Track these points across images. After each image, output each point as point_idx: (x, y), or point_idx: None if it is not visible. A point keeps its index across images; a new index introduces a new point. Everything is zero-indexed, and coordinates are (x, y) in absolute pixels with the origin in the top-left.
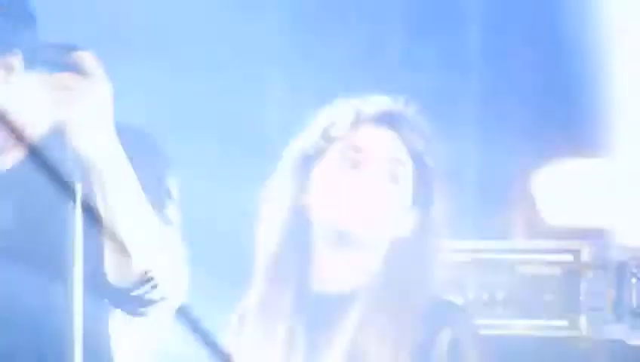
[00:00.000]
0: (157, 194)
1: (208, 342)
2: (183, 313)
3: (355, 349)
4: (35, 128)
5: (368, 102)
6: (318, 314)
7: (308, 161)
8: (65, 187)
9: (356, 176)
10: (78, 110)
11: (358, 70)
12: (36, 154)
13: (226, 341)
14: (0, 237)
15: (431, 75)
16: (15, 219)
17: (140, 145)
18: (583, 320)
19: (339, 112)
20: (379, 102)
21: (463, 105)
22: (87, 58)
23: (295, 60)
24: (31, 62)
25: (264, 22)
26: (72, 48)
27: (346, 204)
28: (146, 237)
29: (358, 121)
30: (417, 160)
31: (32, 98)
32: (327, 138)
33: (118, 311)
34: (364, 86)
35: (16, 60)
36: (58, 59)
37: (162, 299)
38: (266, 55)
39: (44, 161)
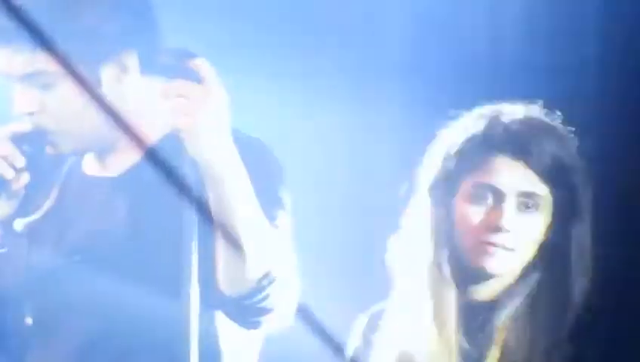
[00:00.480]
0: (270, 202)
1: (330, 343)
2: (304, 314)
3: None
4: (150, 131)
5: (498, 119)
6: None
7: (444, 189)
8: (181, 191)
9: (487, 213)
10: (196, 118)
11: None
12: (152, 157)
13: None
14: (114, 239)
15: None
16: (130, 222)
17: (253, 153)
18: None
19: (466, 136)
20: (511, 114)
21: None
22: (203, 65)
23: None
24: (148, 66)
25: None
26: (189, 55)
27: (480, 241)
28: (260, 244)
29: (487, 150)
30: (556, 182)
31: (146, 101)
32: (458, 169)
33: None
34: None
35: (132, 60)
36: (175, 65)
37: (275, 307)
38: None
39: (159, 163)
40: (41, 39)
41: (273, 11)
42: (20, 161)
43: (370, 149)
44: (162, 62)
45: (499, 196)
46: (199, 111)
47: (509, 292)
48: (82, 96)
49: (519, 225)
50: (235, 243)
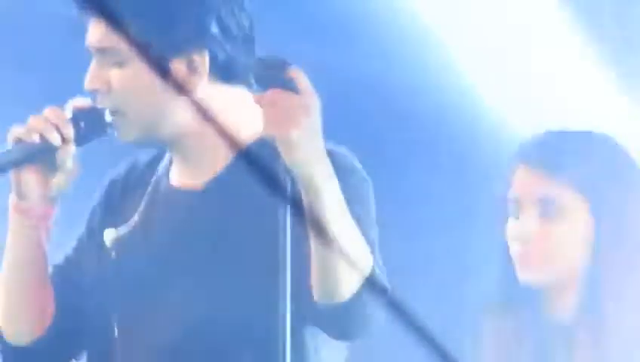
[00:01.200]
0: (360, 216)
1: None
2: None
3: None
4: (240, 135)
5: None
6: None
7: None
8: (275, 193)
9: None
10: (294, 129)
11: None
12: (246, 158)
13: None
14: (209, 240)
15: None
16: (223, 223)
17: (343, 166)
18: None
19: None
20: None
21: None
22: (298, 75)
23: None
24: (224, 71)
25: None
26: (284, 64)
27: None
28: (354, 254)
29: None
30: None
31: (218, 107)
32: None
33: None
34: None
35: (203, 61)
36: (270, 74)
37: (368, 318)
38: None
39: (254, 165)
40: (113, 18)
41: None
42: (69, 132)
43: None
44: (258, 72)
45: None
46: (297, 121)
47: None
48: (152, 80)
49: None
50: (332, 250)
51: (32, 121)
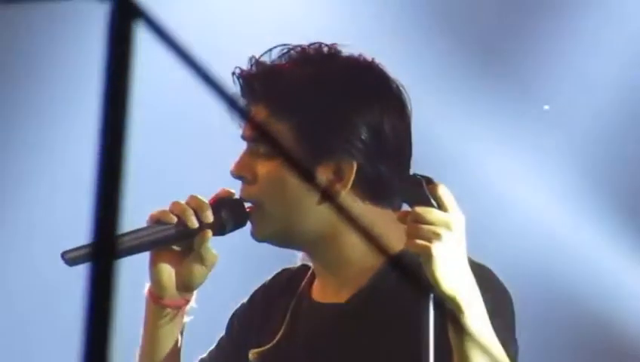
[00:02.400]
0: (499, 329)
1: None
2: None
3: None
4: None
5: None
6: None
7: None
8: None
9: None
10: (439, 246)
11: None
12: (396, 266)
13: None
14: (352, 354)
15: None
16: (368, 336)
17: (485, 279)
18: None
19: None
20: None
21: None
22: (442, 191)
23: None
24: (365, 184)
25: None
26: (428, 180)
27: None
28: None
29: None
30: None
31: (373, 220)
32: None
33: None
34: None
35: (349, 171)
36: (414, 191)
37: None
38: None
39: (404, 273)
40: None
41: None
42: (208, 216)
43: None
44: (404, 188)
45: None
46: (441, 239)
47: None
48: (292, 180)
49: None
50: None
51: (172, 204)
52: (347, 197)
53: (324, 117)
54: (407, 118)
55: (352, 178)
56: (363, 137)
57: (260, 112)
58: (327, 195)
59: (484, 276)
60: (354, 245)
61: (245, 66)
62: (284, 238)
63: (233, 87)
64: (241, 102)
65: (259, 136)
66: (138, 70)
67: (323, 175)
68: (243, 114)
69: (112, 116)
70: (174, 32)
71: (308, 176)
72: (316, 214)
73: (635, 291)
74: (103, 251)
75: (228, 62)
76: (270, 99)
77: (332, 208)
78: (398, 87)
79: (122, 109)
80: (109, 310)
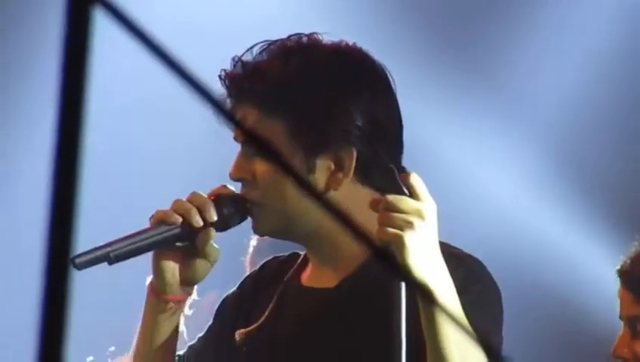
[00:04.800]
0: (482, 320)
1: None
2: None
3: None
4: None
5: None
6: None
7: None
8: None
9: None
10: (409, 234)
11: None
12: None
13: None
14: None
15: None
16: (352, 320)
17: (471, 271)
18: None
19: None
20: None
21: None
22: (414, 179)
23: None
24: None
25: None
26: (401, 169)
27: None
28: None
29: None
30: None
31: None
32: None
33: None
34: None
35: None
36: (387, 179)
37: None
38: None
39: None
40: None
41: None
42: (212, 215)
43: None
44: (376, 174)
45: None
46: (413, 228)
47: None
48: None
49: None
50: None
51: (175, 203)
52: (350, 184)
53: (317, 108)
54: (396, 100)
55: (353, 166)
56: (359, 123)
57: (250, 112)
58: (315, 193)
59: (473, 268)
60: (352, 239)
61: (227, 67)
62: (284, 233)
63: (204, 78)
64: (224, 101)
65: (248, 141)
66: (97, 55)
67: (323, 166)
68: (222, 111)
69: (68, 110)
70: (136, 19)
71: (299, 178)
72: (316, 209)
73: (597, 273)
74: (58, 256)
75: (199, 57)
76: (259, 98)
77: (318, 204)
78: (383, 69)
79: (79, 100)
80: (62, 317)
